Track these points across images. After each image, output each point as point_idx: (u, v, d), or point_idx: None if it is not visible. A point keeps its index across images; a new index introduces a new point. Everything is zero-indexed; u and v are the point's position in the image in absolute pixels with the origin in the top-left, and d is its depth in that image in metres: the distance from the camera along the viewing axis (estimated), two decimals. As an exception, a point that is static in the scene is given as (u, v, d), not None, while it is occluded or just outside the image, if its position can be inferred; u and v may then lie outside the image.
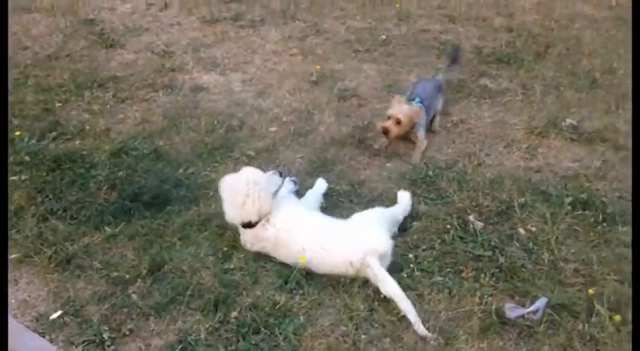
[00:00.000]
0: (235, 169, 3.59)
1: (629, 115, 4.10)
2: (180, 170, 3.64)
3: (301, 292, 2.77)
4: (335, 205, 3.34)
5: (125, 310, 2.69)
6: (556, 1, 6.16)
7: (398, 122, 3.72)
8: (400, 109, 3.74)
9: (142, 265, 2.89)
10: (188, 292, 2.75)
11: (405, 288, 2.74)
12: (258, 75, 4.84)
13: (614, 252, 2.98)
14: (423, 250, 3.02)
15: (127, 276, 2.85)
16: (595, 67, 4.78)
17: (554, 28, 5.55)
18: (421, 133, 3.85)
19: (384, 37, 5.43)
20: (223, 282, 2.81)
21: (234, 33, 5.59)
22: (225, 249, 3.01)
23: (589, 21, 5.70)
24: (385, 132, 3.75)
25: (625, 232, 3.10)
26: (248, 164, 3.66)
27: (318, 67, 4.87)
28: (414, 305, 2.65)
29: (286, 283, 2.80)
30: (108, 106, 4.32)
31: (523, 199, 3.34)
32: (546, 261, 2.94)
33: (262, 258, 2.95)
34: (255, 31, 5.63)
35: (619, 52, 5.03)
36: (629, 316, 2.60)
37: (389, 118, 3.75)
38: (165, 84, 4.65)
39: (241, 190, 2.90)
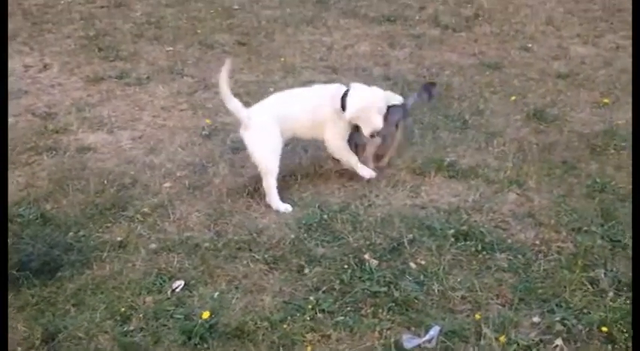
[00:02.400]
0: (130, 228, 3.57)
1: (497, 151, 4.53)
2: (70, 234, 3.52)
3: (205, 345, 2.76)
4: (234, 256, 3.38)
5: (17, 386, 2.54)
6: (427, 51, 6.72)
7: None
8: None
9: (35, 336, 2.75)
10: (86, 360, 2.65)
11: (309, 330, 2.84)
12: (148, 131, 4.83)
13: (495, 277, 3.25)
14: (323, 292, 3.12)
15: (19, 349, 2.70)
16: (464, 109, 5.23)
17: (426, 75, 6.02)
18: None
19: (271, 89, 5.62)
20: (123, 345, 2.74)
21: (121, 91, 5.55)
22: (124, 310, 2.93)
23: (456, 68, 6.25)
24: None
25: (502, 258, 3.39)
26: (143, 222, 3.64)
27: (209, 121, 4.94)
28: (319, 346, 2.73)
29: (189, 338, 2.78)
30: (-14, 172, 4.10)
31: (411, 235, 3.56)
32: (436, 291, 3.14)
33: (164, 315, 2.91)
34: (142, 88, 5.62)
35: (484, 95, 5.55)
36: (513, 336, 2.85)
37: None
38: (49, 146, 4.50)
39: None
